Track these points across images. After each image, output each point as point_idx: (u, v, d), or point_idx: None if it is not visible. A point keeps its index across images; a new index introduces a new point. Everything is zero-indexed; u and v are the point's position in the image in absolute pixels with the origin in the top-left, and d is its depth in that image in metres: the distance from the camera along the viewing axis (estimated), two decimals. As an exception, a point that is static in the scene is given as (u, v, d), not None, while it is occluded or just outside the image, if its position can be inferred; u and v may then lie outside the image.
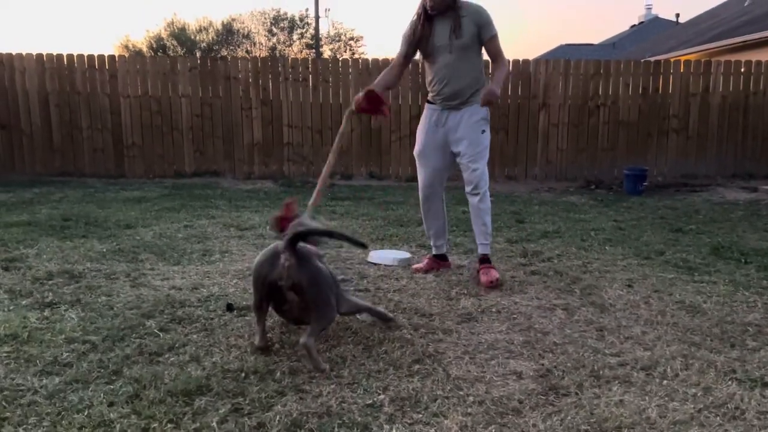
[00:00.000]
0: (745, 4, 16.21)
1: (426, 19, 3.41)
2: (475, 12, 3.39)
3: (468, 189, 3.52)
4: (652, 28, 32.37)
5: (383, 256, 4.00)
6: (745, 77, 9.16)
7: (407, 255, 4.03)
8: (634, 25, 37.68)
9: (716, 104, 9.18)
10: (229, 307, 2.93)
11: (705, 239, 4.75)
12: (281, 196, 7.11)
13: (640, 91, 9.12)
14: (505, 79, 3.84)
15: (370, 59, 9.22)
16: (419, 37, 3.44)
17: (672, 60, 9.98)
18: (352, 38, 35.14)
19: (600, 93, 9.15)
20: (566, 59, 9.33)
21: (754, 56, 9.70)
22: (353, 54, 32.20)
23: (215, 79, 9.02)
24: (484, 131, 3.48)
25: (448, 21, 3.37)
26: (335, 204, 6.42)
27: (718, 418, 1.93)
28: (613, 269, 3.81)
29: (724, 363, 2.35)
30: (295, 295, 2.29)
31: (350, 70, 9.17)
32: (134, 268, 3.67)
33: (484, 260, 3.56)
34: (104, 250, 4.14)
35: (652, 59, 11.40)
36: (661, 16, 36.01)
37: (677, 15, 35.86)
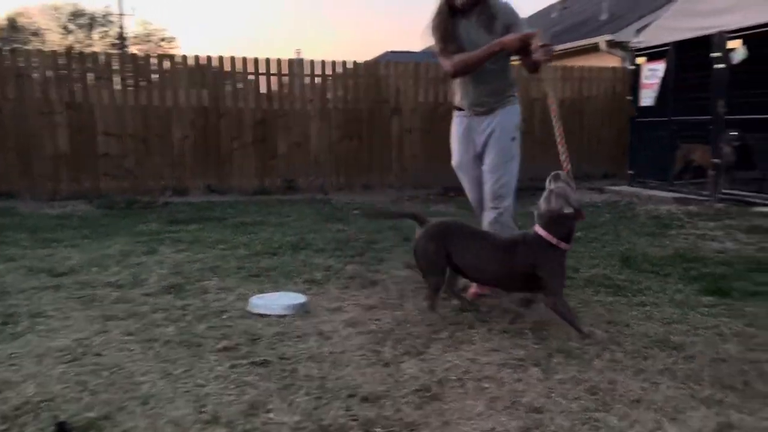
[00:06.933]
0: (552, 16, 17.48)
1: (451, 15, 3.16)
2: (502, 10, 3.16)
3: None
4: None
5: (269, 302, 3.04)
6: (580, 82, 9.53)
7: (301, 298, 3.11)
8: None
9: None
10: (61, 427, 1.82)
11: (603, 248, 4.48)
12: (103, 221, 5.71)
13: (488, 95, 9.04)
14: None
15: (204, 55, 8.01)
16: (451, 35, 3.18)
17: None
18: (163, 39, 32.61)
19: (449, 98, 8.90)
20: (416, 62, 8.95)
21: (575, 63, 10.16)
22: (166, 55, 29.78)
23: (2, 78, 7.19)
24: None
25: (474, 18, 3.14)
26: (178, 229, 5.22)
27: None
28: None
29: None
30: None
31: (180, 67, 7.88)
32: None
33: None
34: None
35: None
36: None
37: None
